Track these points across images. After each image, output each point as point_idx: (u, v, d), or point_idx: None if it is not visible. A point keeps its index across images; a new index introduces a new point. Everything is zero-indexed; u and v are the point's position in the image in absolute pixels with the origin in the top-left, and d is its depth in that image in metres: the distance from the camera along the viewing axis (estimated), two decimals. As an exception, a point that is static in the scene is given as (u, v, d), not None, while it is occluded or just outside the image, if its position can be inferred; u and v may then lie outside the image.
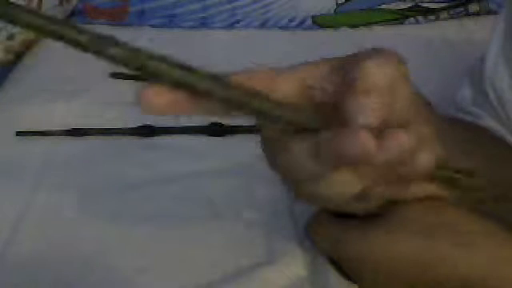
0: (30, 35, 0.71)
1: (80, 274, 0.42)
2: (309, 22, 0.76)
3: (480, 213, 0.36)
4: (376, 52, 0.30)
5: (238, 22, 0.76)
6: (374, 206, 0.33)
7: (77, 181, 0.51)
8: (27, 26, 0.23)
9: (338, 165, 0.29)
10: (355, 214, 0.35)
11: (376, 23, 0.76)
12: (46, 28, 0.23)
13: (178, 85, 0.26)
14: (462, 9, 0.76)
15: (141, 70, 0.25)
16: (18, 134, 0.56)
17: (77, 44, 0.24)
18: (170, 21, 0.77)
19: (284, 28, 0.76)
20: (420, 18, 0.76)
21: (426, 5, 0.76)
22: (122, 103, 0.58)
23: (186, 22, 0.77)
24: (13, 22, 0.23)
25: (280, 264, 0.42)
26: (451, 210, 0.36)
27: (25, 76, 0.67)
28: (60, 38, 0.23)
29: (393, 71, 0.29)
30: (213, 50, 0.72)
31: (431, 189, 0.35)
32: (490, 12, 0.76)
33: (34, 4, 0.71)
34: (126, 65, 0.24)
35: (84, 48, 0.24)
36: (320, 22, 0.76)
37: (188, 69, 0.26)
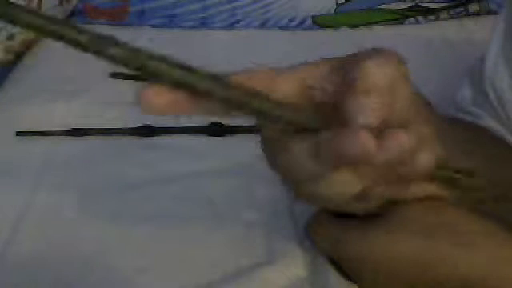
0: (29, 35, 0.71)
1: (80, 274, 0.42)
2: (309, 21, 0.76)
3: (480, 213, 0.36)
4: (376, 52, 0.30)
5: (238, 21, 0.76)
6: (374, 206, 0.33)
7: (77, 181, 0.51)
8: (27, 26, 0.23)
9: (338, 165, 0.29)
10: (355, 214, 0.35)
11: (376, 23, 0.76)
12: (46, 28, 0.23)
13: (177, 85, 0.26)
14: (461, 9, 0.76)
15: (141, 69, 0.25)
16: (18, 134, 0.56)
17: (77, 44, 0.24)
18: (170, 21, 0.77)
19: (284, 28, 0.76)
20: (420, 18, 0.76)
21: (426, 5, 0.76)
22: (122, 103, 0.58)
23: (186, 22, 0.77)
24: (13, 22, 0.23)
25: (280, 264, 0.42)
26: (451, 210, 0.36)
27: (25, 76, 0.67)
28: (60, 38, 0.23)
29: (393, 71, 0.29)
30: (213, 50, 0.72)
31: (431, 189, 0.35)
32: (490, 12, 0.76)
33: (34, 4, 0.71)
34: (125, 65, 0.25)
35: (84, 48, 0.24)
36: (320, 22, 0.76)
37: (188, 69, 0.26)
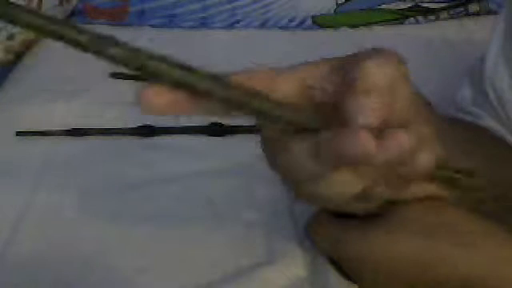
0: (29, 35, 0.71)
1: (80, 274, 0.42)
2: (309, 21, 0.76)
3: (480, 213, 0.36)
4: (376, 52, 0.30)
5: (238, 21, 0.76)
6: (374, 206, 0.33)
7: (77, 181, 0.51)
8: (27, 26, 0.23)
9: (338, 165, 0.29)
10: (355, 214, 0.35)
11: (376, 23, 0.76)
12: (46, 28, 0.23)
13: (178, 85, 0.26)
14: (461, 9, 0.76)
15: (141, 69, 0.25)
16: (18, 134, 0.56)
17: (77, 44, 0.24)
18: (170, 21, 0.77)
19: (284, 28, 0.76)
20: (420, 18, 0.76)
21: (425, 5, 0.76)
22: (122, 103, 0.58)
23: (186, 22, 0.77)
24: (13, 21, 0.23)
25: (280, 264, 0.42)
26: (451, 210, 0.36)
27: (25, 76, 0.67)
28: (60, 37, 0.23)
29: (393, 71, 0.29)
30: (213, 50, 0.72)
31: (431, 189, 0.35)
32: (490, 12, 0.76)
33: (34, 4, 0.71)
34: (126, 65, 0.24)
35: (84, 48, 0.24)
36: (320, 22, 0.76)
37: (188, 69, 0.26)
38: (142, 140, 0.56)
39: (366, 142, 0.27)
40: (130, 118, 0.57)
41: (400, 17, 0.76)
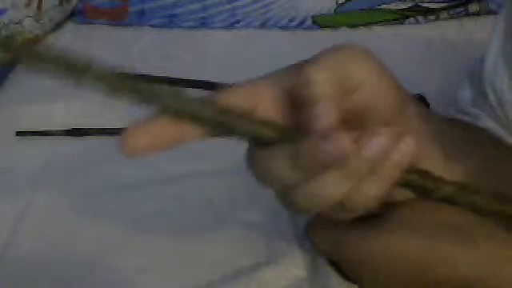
0: (29, 35, 0.71)
1: (80, 274, 0.42)
2: (309, 21, 0.76)
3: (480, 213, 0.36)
4: (318, 56, 0.31)
5: (238, 22, 0.76)
6: (360, 213, 0.33)
7: (77, 181, 0.51)
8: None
9: (317, 170, 0.29)
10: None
11: (376, 23, 0.76)
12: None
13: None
14: (461, 9, 0.76)
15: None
16: (18, 134, 0.56)
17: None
18: (170, 21, 0.77)
19: (284, 28, 0.76)
20: (420, 18, 0.76)
21: (425, 5, 0.76)
22: (122, 103, 0.58)
23: (186, 22, 0.77)
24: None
25: (280, 264, 0.42)
26: (451, 210, 0.36)
27: (25, 76, 0.67)
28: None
29: (332, 72, 0.30)
30: (213, 50, 0.72)
31: None
32: (490, 12, 0.76)
33: (35, 4, 0.71)
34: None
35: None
36: (320, 22, 0.76)
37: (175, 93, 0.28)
38: (141, 140, 0.56)
39: (339, 142, 0.27)
40: (130, 118, 0.57)
41: (400, 17, 0.76)
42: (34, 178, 0.52)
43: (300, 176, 0.30)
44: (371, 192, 0.30)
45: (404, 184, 0.32)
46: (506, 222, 0.34)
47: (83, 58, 0.25)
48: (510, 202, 0.34)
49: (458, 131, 0.41)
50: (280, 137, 0.29)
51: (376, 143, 0.29)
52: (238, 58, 0.67)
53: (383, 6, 0.76)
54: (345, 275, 0.40)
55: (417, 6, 0.76)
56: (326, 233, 0.39)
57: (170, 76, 0.63)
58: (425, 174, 0.32)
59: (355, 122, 0.32)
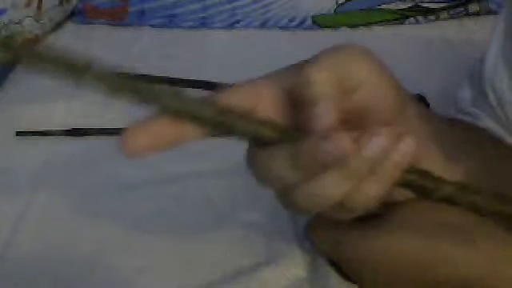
0: (29, 35, 0.71)
1: (80, 274, 0.42)
2: (309, 21, 0.76)
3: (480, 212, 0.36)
4: (317, 56, 0.31)
5: (238, 22, 0.76)
6: (361, 213, 0.33)
7: (77, 181, 0.51)
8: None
9: (317, 170, 0.29)
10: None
11: (376, 23, 0.76)
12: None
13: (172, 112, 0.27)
14: (461, 9, 0.76)
15: None
16: (18, 134, 0.56)
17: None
18: (170, 21, 0.77)
19: (284, 28, 0.76)
20: (420, 18, 0.76)
21: (425, 5, 0.76)
22: (122, 103, 0.58)
23: (186, 22, 0.77)
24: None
25: (280, 264, 0.42)
26: (451, 210, 0.36)
27: (25, 76, 0.67)
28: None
29: (332, 73, 0.30)
30: (213, 50, 0.72)
31: None
32: (490, 12, 0.76)
33: (35, 4, 0.71)
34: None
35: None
36: (320, 22, 0.76)
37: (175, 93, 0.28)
38: (141, 140, 0.56)
39: (339, 142, 0.27)
40: (129, 118, 0.57)
41: (400, 17, 0.76)
42: (34, 178, 0.52)
43: (300, 176, 0.30)
44: (371, 192, 0.30)
45: (404, 184, 0.32)
46: (506, 222, 0.34)
47: (83, 58, 0.25)
48: (510, 202, 0.34)
49: (457, 131, 0.41)
50: (280, 137, 0.29)
51: (376, 143, 0.29)
52: (238, 58, 0.67)
53: (383, 6, 0.76)
54: (345, 275, 0.40)
55: (417, 5, 0.76)
56: (326, 233, 0.39)
57: (170, 76, 0.63)
58: (425, 173, 0.32)
59: (355, 121, 0.32)
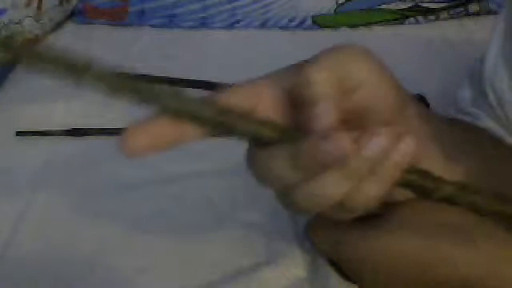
0: (29, 35, 0.71)
1: (80, 274, 0.42)
2: (309, 21, 0.76)
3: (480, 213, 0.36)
4: (315, 57, 0.31)
5: (238, 22, 0.76)
6: (361, 213, 0.33)
7: (77, 181, 0.51)
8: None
9: (317, 170, 0.29)
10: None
11: (376, 23, 0.76)
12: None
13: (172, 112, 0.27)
14: (461, 9, 0.76)
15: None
16: (18, 134, 0.56)
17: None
18: (170, 21, 0.77)
19: (284, 28, 0.76)
20: (420, 18, 0.76)
21: (425, 5, 0.76)
22: (122, 103, 0.58)
23: (186, 22, 0.77)
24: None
25: (280, 264, 0.42)
26: (451, 210, 0.36)
27: (25, 76, 0.67)
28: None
29: (332, 72, 0.30)
30: (213, 50, 0.72)
31: None
32: (490, 12, 0.76)
33: (35, 4, 0.71)
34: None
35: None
36: (320, 22, 0.76)
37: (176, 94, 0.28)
38: (141, 140, 0.56)
39: (339, 142, 0.27)
40: (129, 118, 0.57)
41: (400, 17, 0.76)
42: (33, 178, 0.52)
43: (300, 176, 0.30)
44: (371, 192, 0.30)
45: (404, 184, 0.32)
46: (506, 222, 0.34)
47: (83, 57, 0.25)
48: (510, 202, 0.34)
49: (457, 131, 0.41)
50: (280, 137, 0.29)
51: (376, 143, 0.29)
52: (238, 58, 0.67)
53: (383, 6, 0.76)
54: (345, 275, 0.40)
55: (417, 5, 0.76)
56: (326, 233, 0.39)
57: (170, 76, 0.63)
58: (425, 174, 0.32)
59: (355, 122, 0.32)
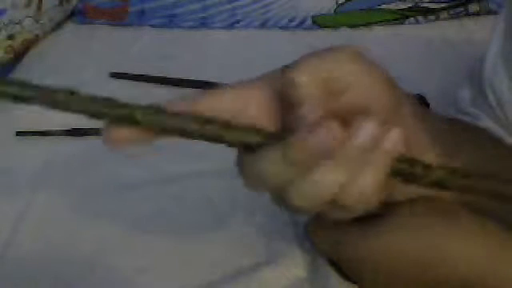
0: (29, 35, 0.71)
1: (80, 274, 0.42)
2: (309, 21, 0.76)
3: (480, 213, 0.36)
4: (294, 62, 0.31)
5: (238, 22, 0.76)
6: (354, 214, 0.33)
7: (77, 181, 0.51)
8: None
9: (309, 164, 0.29)
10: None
11: (376, 23, 0.76)
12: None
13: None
14: (461, 9, 0.76)
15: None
16: (18, 134, 0.56)
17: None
18: (170, 21, 0.77)
19: (284, 28, 0.76)
20: (420, 18, 0.76)
21: (425, 5, 0.76)
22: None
23: (186, 22, 0.77)
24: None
25: (280, 264, 0.42)
26: (451, 209, 0.36)
27: (25, 76, 0.67)
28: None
29: (321, 71, 0.30)
30: (213, 50, 0.72)
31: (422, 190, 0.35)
32: (490, 12, 0.76)
33: (35, 4, 0.71)
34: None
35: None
36: (320, 22, 0.76)
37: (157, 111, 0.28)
38: (141, 140, 0.56)
39: (329, 130, 0.28)
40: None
41: (400, 17, 0.76)
42: (33, 178, 0.52)
43: (293, 173, 0.30)
44: (365, 182, 0.30)
45: (395, 173, 0.32)
46: (499, 202, 0.34)
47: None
48: (501, 182, 0.33)
49: (457, 131, 0.41)
50: (267, 141, 0.30)
51: (365, 131, 0.29)
52: (238, 58, 0.67)
53: (383, 6, 0.76)
54: (345, 275, 0.40)
55: (417, 6, 0.76)
56: (325, 233, 0.39)
57: (170, 76, 0.63)
58: (415, 161, 0.32)
59: (351, 122, 0.32)
